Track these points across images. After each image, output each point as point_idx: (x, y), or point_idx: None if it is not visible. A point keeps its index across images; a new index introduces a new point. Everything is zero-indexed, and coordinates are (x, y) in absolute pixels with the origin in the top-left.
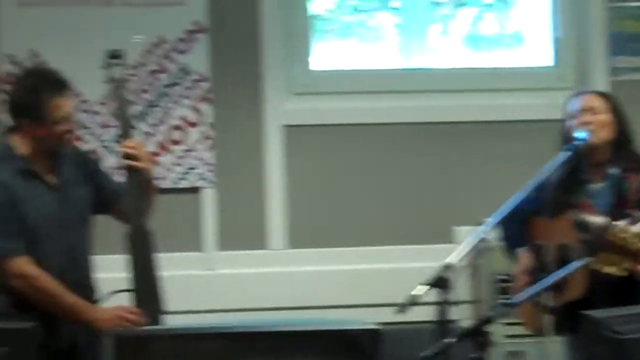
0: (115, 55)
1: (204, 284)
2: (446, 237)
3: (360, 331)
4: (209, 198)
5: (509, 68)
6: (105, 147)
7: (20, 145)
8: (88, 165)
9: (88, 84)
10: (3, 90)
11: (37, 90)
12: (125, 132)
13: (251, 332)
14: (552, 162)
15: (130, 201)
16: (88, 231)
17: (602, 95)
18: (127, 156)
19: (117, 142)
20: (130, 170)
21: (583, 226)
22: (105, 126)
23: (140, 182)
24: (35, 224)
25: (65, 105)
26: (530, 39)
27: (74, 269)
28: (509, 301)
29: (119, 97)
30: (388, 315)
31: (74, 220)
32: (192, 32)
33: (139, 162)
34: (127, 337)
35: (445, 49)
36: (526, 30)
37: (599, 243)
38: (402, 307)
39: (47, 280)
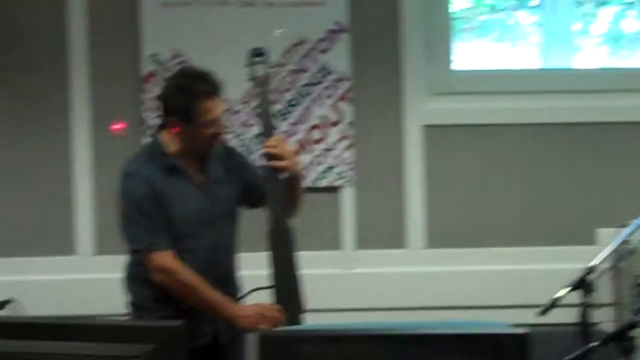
0: (258, 53)
1: (342, 283)
2: (589, 239)
3: (510, 336)
4: (348, 197)
5: None
6: (245, 146)
7: (169, 142)
8: (236, 161)
9: (229, 83)
10: (145, 90)
11: (190, 91)
12: (267, 130)
13: (396, 335)
14: None
15: (272, 200)
16: (234, 228)
17: None
18: (270, 155)
19: (259, 140)
20: (273, 169)
21: None
22: (245, 125)
23: (287, 180)
24: (181, 220)
25: (216, 108)
26: None
27: (217, 266)
28: None
29: (262, 95)
30: (527, 317)
31: (219, 218)
32: (333, 31)
33: (282, 161)
34: (272, 337)
35: (586, 48)
36: None
37: None
38: (544, 309)
39: (189, 275)
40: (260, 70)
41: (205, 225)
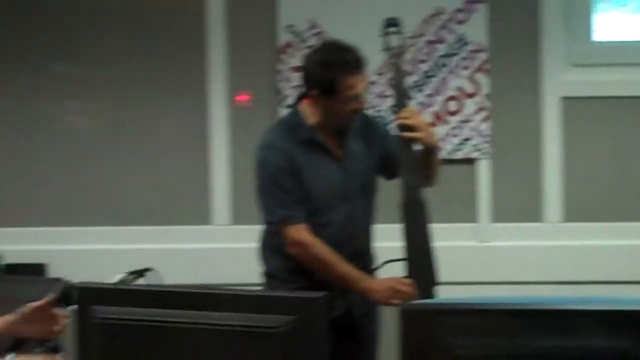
0: (393, 23)
1: (477, 256)
2: None
3: None
4: (484, 169)
5: None
6: (380, 117)
7: (308, 114)
8: (377, 133)
9: (365, 54)
10: (281, 61)
11: (334, 65)
12: (401, 101)
13: (540, 310)
14: None
15: (406, 171)
16: (370, 202)
17: None
18: (403, 127)
19: (393, 112)
20: (407, 140)
21: None
22: (381, 96)
23: (421, 152)
24: (316, 194)
25: (359, 84)
26: None
27: (352, 240)
28: None
29: (396, 66)
30: None
31: (355, 192)
32: (470, 2)
33: (416, 133)
34: (414, 310)
35: None
36: None
37: None
38: None
39: (323, 249)
40: (394, 40)
41: (341, 200)
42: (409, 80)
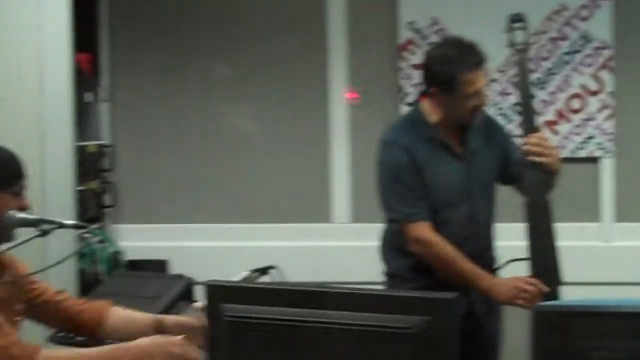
0: (518, 19)
1: (601, 256)
2: None
3: None
4: (607, 168)
5: None
6: (503, 114)
7: (430, 112)
8: (498, 136)
9: (487, 51)
10: (402, 58)
11: (454, 62)
12: (530, 122)
13: None
14: None
15: (529, 187)
16: (491, 200)
17: None
18: (531, 153)
19: (522, 131)
20: (533, 163)
21: None
22: (503, 94)
23: (546, 174)
24: (438, 191)
25: (479, 81)
26: None
27: (474, 238)
28: None
29: (521, 64)
30: None
31: (476, 190)
32: None
33: (544, 158)
34: (546, 312)
35: None
36: None
37: None
38: None
39: (444, 247)
40: (519, 37)
41: (463, 198)
42: (533, 78)
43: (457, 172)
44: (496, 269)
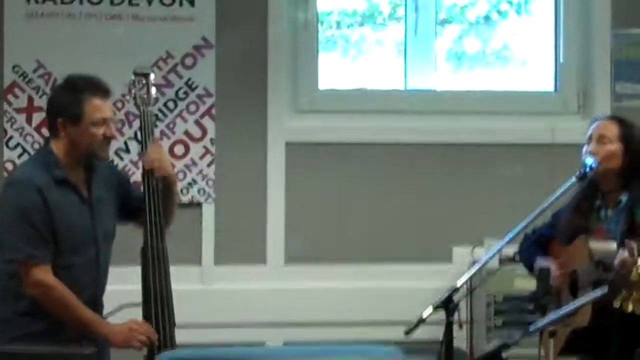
0: (142, 73)
1: (201, 298)
2: (445, 257)
3: None
4: (209, 213)
5: (511, 91)
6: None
7: (59, 152)
8: (116, 176)
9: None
10: (7, 101)
11: (80, 89)
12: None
13: None
14: (563, 187)
15: (148, 213)
16: (110, 248)
17: (618, 121)
18: (144, 161)
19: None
20: (146, 172)
21: (604, 265)
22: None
23: (162, 187)
24: (67, 235)
25: (105, 107)
26: (534, 63)
27: (93, 284)
28: (526, 329)
29: (144, 115)
30: (384, 333)
31: (100, 236)
32: (199, 47)
33: (160, 170)
34: None
35: (445, 70)
36: (530, 54)
37: (621, 282)
38: (409, 329)
39: (65, 292)
40: (141, 90)
41: (89, 242)
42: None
43: (84, 216)
44: (107, 315)
